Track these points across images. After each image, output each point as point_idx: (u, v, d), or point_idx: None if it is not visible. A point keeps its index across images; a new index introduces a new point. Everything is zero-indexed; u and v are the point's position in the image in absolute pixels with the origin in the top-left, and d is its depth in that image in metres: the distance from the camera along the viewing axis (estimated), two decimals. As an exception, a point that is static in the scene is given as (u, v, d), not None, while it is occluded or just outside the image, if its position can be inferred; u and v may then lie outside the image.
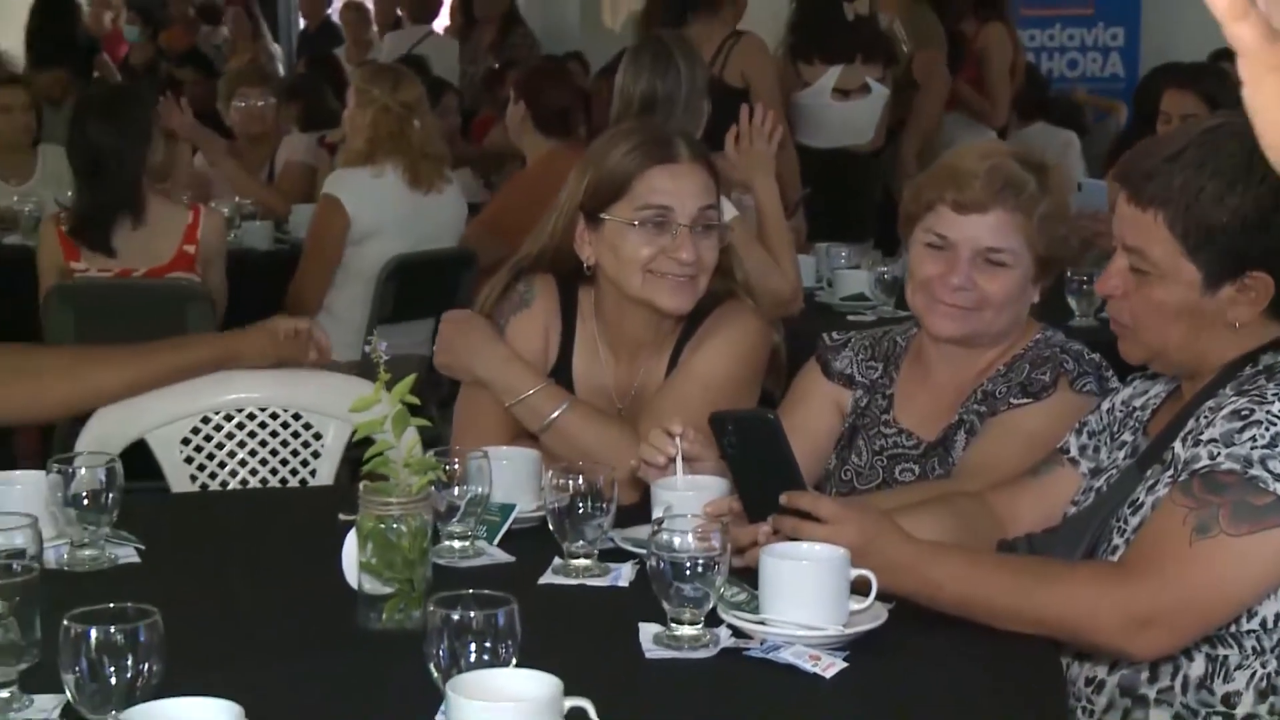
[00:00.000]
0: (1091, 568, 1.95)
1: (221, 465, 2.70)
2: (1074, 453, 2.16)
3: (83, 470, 2.07)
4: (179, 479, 2.66)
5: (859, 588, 1.85)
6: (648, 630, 1.85)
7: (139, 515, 2.20)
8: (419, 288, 4.70)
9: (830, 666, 1.76)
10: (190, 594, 1.99)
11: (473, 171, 6.39)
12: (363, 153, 4.61)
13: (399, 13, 9.90)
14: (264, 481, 2.70)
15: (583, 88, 5.63)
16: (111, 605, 1.55)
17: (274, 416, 2.73)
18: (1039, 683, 1.80)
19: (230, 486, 2.68)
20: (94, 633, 1.52)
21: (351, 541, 1.92)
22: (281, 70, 9.97)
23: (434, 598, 1.65)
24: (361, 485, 1.90)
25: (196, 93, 7.25)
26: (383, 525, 1.87)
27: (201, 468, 2.68)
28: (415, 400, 1.92)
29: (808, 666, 1.76)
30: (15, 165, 5.76)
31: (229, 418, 2.71)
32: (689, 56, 4.10)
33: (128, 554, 2.10)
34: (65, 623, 1.53)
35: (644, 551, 1.90)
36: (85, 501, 2.06)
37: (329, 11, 11.11)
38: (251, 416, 2.72)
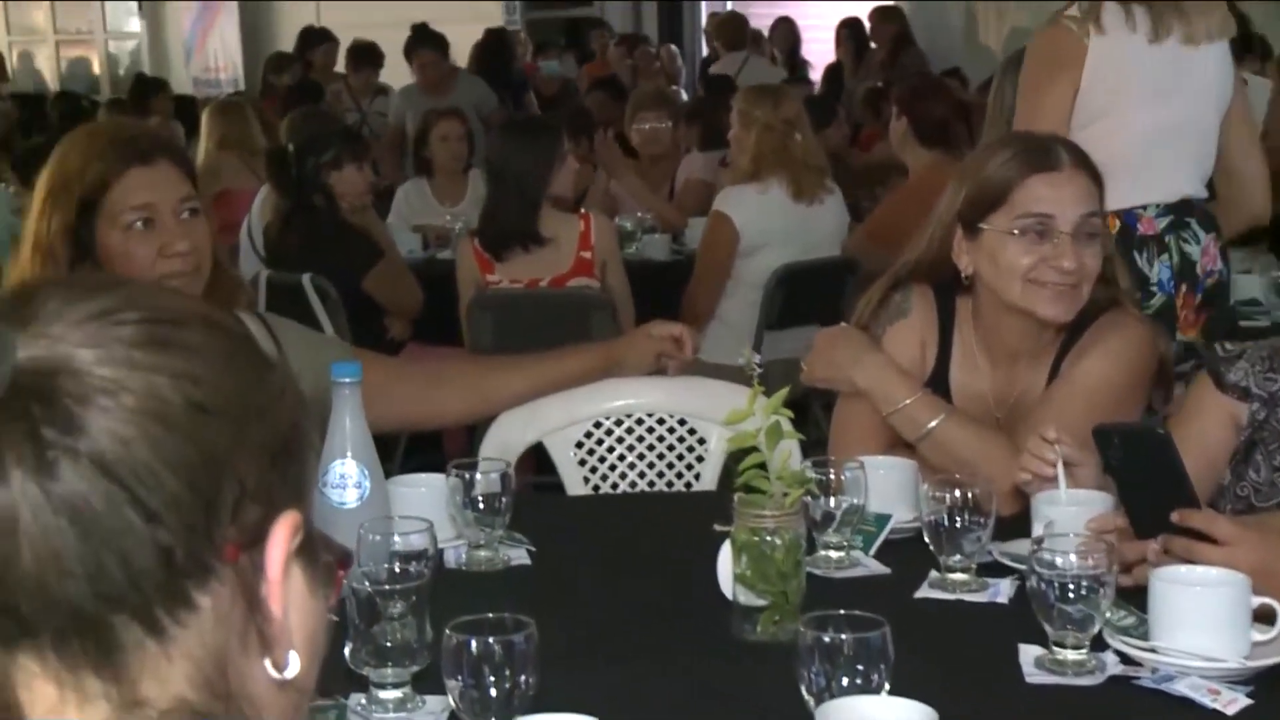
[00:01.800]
0: None
1: (612, 467, 2.61)
2: None
3: (479, 475, 2.01)
4: (573, 480, 2.58)
5: (1263, 616, 1.59)
6: (1028, 652, 1.64)
7: (532, 517, 2.12)
8: (804, 294, 4.55)
9: (1232, 703, 1.50)
10: (574, 596, 1.91)
11: (858, 182, 6.19)
12: (748, 170, 4.50)
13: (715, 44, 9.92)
14: (651, 484, 2.60)
15: (962, 100, 5.36)
16: (490, 615, 1.46)
17: (661, 421, 2.62)
18: None
19: (620, 488, 2.59)
20: (474, 643, 1.43)
21: (726, 552, 1.78)
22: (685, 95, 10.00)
23: (806, 617, 1.50)
24: (736, 497, 1.76)
25: (605, 116, 7.32)
26: (756, 538, 1.73)
27: (594, 469, 2.60)
28: (789, 413, 1.76)
29: (1206, 701, 1.51)
30: (450, 189, 5.91)
31: (619, 422, 2.62)
32: None
33: (520, 556, 2.03)
34: (447, 632, 1.44)
35: (1024, 568, 1.69)
36: (481, 505, 2.00)
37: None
38: (640, 421, 2.63)
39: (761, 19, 11.31)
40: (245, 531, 0.77)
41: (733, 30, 9.88)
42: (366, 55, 8.53)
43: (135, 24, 15.17)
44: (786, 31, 10.63)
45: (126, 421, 0.73)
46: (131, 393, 0.73)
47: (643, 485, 2.60)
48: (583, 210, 4.59)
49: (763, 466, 1.74)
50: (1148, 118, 2.92)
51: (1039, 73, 2.96)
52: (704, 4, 13.11)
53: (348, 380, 1.86)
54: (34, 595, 0.72)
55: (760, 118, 4.53)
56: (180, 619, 0.75)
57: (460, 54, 9.64)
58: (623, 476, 2.61)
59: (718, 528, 1.81)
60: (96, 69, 15.55)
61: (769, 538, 1.72)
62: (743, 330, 4.52)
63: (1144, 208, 2.93)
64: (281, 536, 0.79)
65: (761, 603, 1.73)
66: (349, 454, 1.85)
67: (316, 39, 9.45)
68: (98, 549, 0.72)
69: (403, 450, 4.04)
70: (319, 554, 0.83)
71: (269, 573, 0.78)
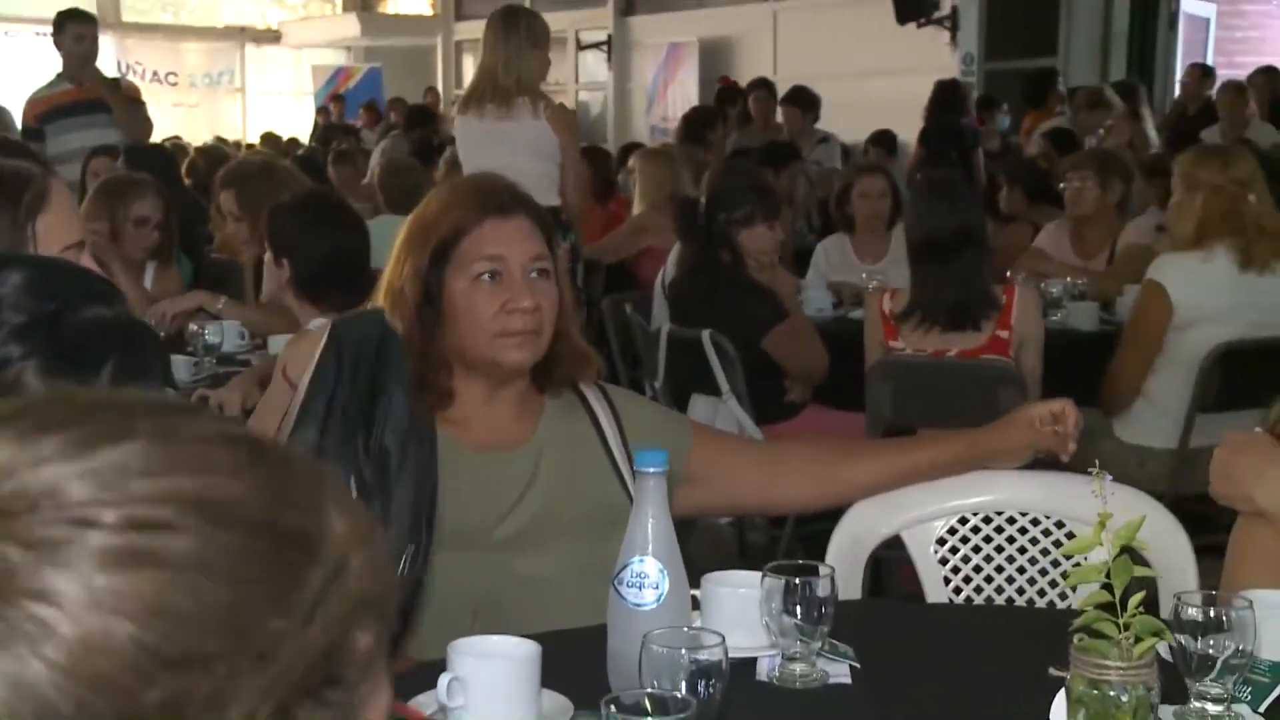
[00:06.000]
0: None
1: (977, 569, 2.34)
2: None
3: (800, 579, 1.81)
4: (933, 581, 2.34)
5: None
6: None
7: (868, 625, 1.92)
8: (1247, 376, 4.07)
9: None
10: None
11: None
12: (1190, 238, 4.07)
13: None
14: (1020, 591, 2.32)
15: None
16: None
17: (1035, 523, 2.33)
18: None
19: (985, 593, 2.33)
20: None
21: (1061, 703, 1.51)
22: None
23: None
24: (1074, 640, 1.49)
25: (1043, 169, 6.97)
26: (1096, 691, 1.45)
27: (956, 569, 2.35)
28: (1144, 545, 1.48)
29: None
30: (872, 246, 5.72)
31: (988, 519, 2.35)
32: None
33: (839, 672, 1.81)
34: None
35: None
36: (800, 612, 1.80)
37: (1208, 93, 10.31)
38: (1012, 520, 2.35)
39: (1248, 70, 10.48)
40: None
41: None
42: (802, 101, 8.42)
43: (603, 72, 15.82)
44: (1267, 82, 9.78)
45: (45, 673, 0.55)
46: (65, 639, 0.55)
47: (1011, 591, 2.33)
48: (1010, 278, 4.30)
49: (1110, 607, 1.47)
50: (484, 163, 4.76)
51: None
52: (1180, 52, 12.33)
53: (652, 470, 1.72)
54: None
55: (1207, 179, 4.10)
56: None
57: (915, 106, 9.41)
58: (988, 580, 2.34)
59: (1053, 672, 1.54)
60: (567, 117, 16.27)
61: (1111, 693, 1.45)
62: (1171, 413, 4.09)
63: None
64: None
65: (1100, 767, 1.46)
66: (649, 551, 1.71)
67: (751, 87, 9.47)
68: None
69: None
70: None
71: None
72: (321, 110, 15.98)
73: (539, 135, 5.12)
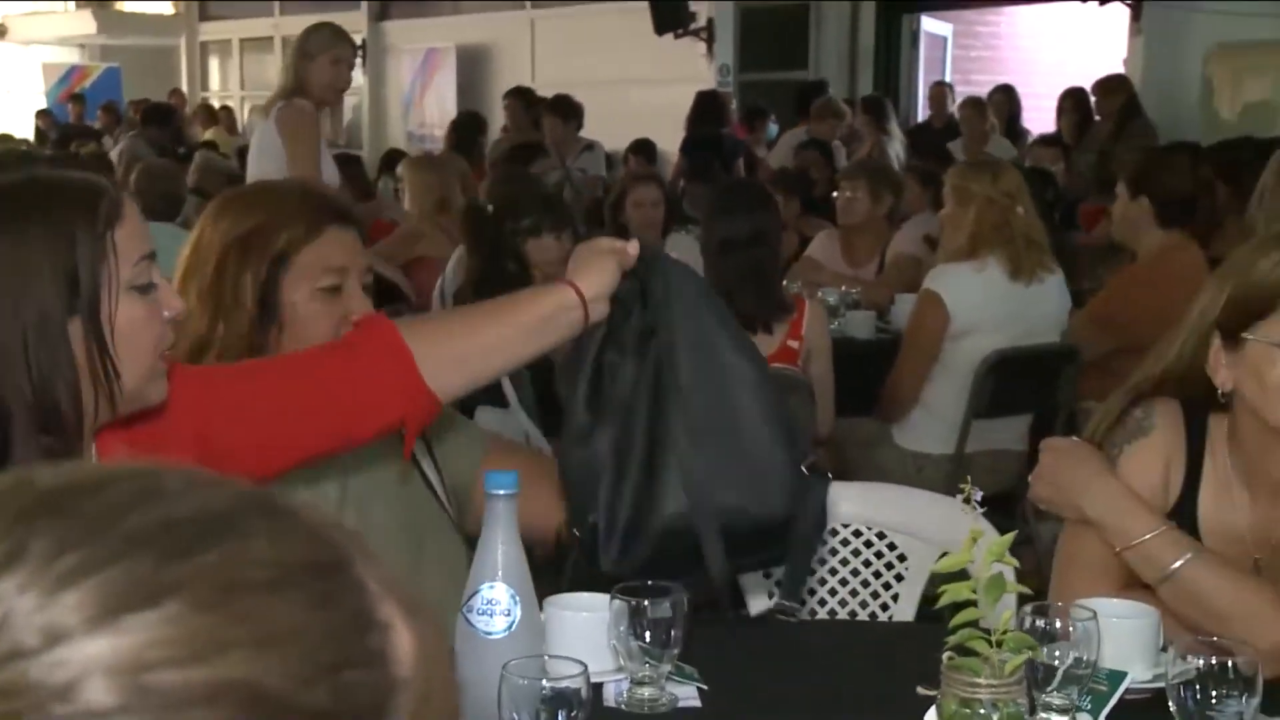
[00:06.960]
0: None
1: (801, 582, 2.33)
2: None
3: (647, 601, 1.76)
4: (756, 592, 2.30)
5: None
6: None
7: (704, 643, 1.87)
8: (1018, 382, 4.21)
9: None
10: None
11: (1078, 263, 5.76)
12: (964, 249, 4.18)
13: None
14: (843, 603, 2.32)
15: (1206, 176, 4.93)
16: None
17: (857, 534, 2.34)
18: None
19: (807, 605, 2.31)
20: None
21: (931, 722, 1.49)
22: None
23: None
24: (945, 659, 1.47)
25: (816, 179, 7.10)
26: (968, 710, 1.44)
27: (779, 583, 2.32)
28: (1014, 563, 1.48)
29: None
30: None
31: (811, 533, 2.34)
32: None
33: (688, 695, 1.76)
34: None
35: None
36: (649, 636, 1.75)
37: (951, 110, 10.70)
38: (835, 532, 2.34)
39: (982, 87, 10.92)
40: None
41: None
42: (564, 110, 8.45)
43: (358, 77, 15.50)
44: (1005, 100, 10.22)
45: None
46: None
47: (833, 604, 2.32)
48: (797, 291, 4.34)
49: (978, 623, 1.46)
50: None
51: None
52: (922, 69, 12.78)
53: (502, 493, 1.64)
54: None
55: (979, 192, 4.22)
56: None
57: (673, 115, 9.53)
58: (810, 593, 2.33)
59: (922, 691, 1.52)
60: (318, 121, 15.89)
61: (983, 711, 1.44)
62: (948, 419, 4.19)
63: None
64: None
65: (972, 785, 1.44)
66: (499, 576, 1.62)
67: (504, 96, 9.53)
68: None
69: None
70: None
71: None
72: (43, 113, 15.12)
73: (265, 136, 5.11)
